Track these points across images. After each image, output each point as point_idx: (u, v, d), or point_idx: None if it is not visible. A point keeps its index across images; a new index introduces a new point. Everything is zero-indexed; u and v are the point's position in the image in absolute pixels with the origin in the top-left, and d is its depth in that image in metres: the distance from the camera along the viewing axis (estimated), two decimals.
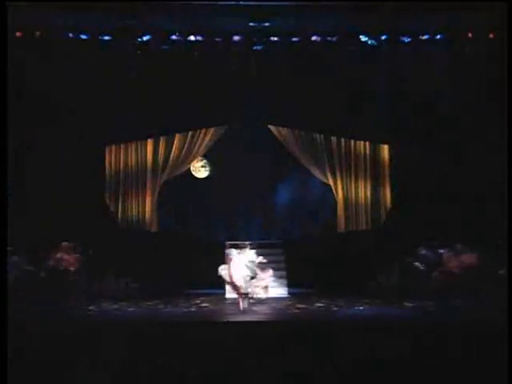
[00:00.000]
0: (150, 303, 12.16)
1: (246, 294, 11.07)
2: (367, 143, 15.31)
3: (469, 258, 11.35)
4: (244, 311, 10.77)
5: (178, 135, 15.13)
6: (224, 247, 13.61)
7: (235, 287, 11.10)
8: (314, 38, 13.75)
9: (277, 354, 8.02)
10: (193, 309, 11.58)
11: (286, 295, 13.05)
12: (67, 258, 12.28)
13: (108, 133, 14.45)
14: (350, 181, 15.27)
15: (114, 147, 15.08)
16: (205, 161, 15.68)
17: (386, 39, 13.70)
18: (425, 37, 13.65)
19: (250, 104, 14.30)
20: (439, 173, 13.90)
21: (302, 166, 15.30)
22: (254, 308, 11.46)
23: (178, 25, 13.30)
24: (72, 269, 12.17)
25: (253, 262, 11.29)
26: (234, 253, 11.24)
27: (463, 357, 7.84)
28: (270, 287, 11.80)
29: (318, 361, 7.93)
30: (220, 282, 13.25)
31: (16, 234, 11.38)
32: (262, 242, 13.02)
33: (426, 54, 13.78)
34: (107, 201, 14.93)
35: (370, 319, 10.32)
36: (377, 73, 14.08)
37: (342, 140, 15.32)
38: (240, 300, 11.07)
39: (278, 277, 12.47)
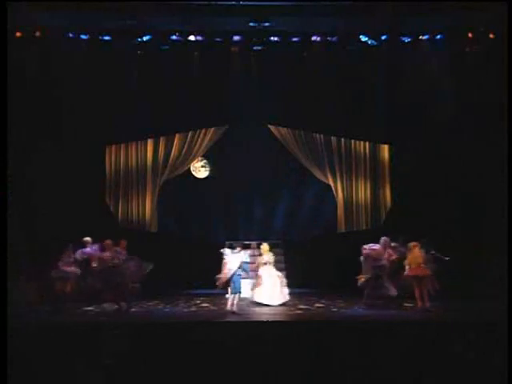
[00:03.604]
0: (150, 303, 12.17)
1: None
2: (367, 143, 15.31)
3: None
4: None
5: (177, 135, 15.14)
6: (224, 247, 13.63)
7: None
8: (313, 38, 13.77)
9: (277, 354, 8.02)
10: (193, 309, 11.59)
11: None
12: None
13: (108, 133, 14.45)
14: (350, 181, 15.27)
15: (114, 147, 15.09)
16: (205, 161, 15.68)
17: (385, 39, 13.72)
18: (425, 37, 13.67)
19: (249, 104, 14.30)
20: (439, 173, 13.89)
21: (302, 166, 15.30)
22: (254, 308, 11.48)
23: (178, 25, 13.31)
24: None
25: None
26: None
27: (463, 357, 7.85)
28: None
29: (317, 361, 7.93)
30: None
31: (15, 234, 11.41)
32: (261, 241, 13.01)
33: (425, 54, 13.79)
34: (107, 201, 14.94)
35: (369, 320, 10.32)
36: (377, 73, 14.08)
37: (342, 140, 15.32)
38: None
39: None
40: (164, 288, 13.40)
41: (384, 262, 11.34)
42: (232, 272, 10.75)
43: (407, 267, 10.95)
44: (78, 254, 11.69)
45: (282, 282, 12.23)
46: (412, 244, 11.04)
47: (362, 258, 11.52)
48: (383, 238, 11.56)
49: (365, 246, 11.52)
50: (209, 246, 13.99)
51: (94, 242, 11.93)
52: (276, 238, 14.43)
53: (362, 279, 11.42)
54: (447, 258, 11.51)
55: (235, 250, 11.11)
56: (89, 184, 14.11)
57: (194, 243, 14.70)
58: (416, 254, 10.94)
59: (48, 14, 12.62)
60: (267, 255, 12.29)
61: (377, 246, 11.46)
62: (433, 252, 11.47)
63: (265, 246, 12.43)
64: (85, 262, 11.64)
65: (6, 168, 9.00)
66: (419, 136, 14.04)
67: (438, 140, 13.91)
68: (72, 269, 11.44)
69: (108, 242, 11.39)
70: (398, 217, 14.42)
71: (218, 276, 10.91)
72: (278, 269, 12.73)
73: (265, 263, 12.18)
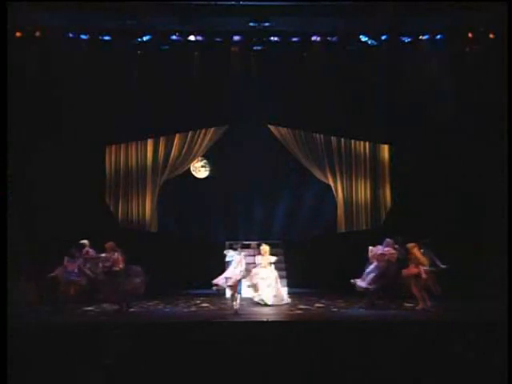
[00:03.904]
0: (150, 303, 12.17)
1: None
2: (367, 143, 15.30)
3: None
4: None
5: (177, 135, 15.13)
6: (224, 247, 13.63)
7: None
8: (314, 38, 13.77)
9: (277, 354, 8.01)
10: (193, 309, 11.59)
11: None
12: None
13: (108, 133, 14.44)
14: (350, 181, 15.26)
15: (114, 147, 15.08)
16: (205, 161, 15.67)
17: (385, 39, 13.72)
18: (425, 37, 13.68)
19: (249, 104, 14.29)
20: (439, 173, 13.89)
21: (302, 166, 15.29)
22: (254, 308, 11.48)
23: (178, 25, 13.30)
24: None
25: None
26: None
27: (463, 357, 7.84)
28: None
29: (317, 361, 7.93)
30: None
31: (15, 234, 11.41)
32: (261, 241, 13.01)
33: (425, 54, 13.79)
34: (107, 201, 14.93)
35: (369, 320, 10.32)
36: (377, 73, 14.08)
37: (342, 140, 15.32)
38: None
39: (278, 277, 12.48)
40: (164, 288, 13.40)
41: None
42: (243, 273, 10.81)
43: (423, 268, 10.77)
44: (88, 256, 11.68)
45: (281, 282, 12.25)
46: (411, 245, 10.99)
47: (380, 263, 11.22)
48: (387, 240, 11.46)
49: (379, 252, 11.28)
50: (209, 246, 14.03)
51: (93, 243, 11.91)
52: (276, 238, 14.43)
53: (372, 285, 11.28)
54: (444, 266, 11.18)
55: (237, 251, 11.15)
56: (89, 184, 14.10)
57: (194, 243, 14.70)
58: (419, 253, 10.90)
59: (48, 14, 12.61)
60: (267, 256, 12.30)
61: (390, 249, 11.31)
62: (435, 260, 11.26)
63: (265, 247, 12.44)
64: (93, 264, 11.63)
65: (6, 168, 9.01)
66: (419, 136, 14.03)
67: (438, 140, 13.89)
68: (77, 271, 11.42)
69: (111, 244, 11.36)
70: (398, 217, 14.41)
71: (226, 277, 10.88)
72: (278, 269, 12.73)
73: (265, 264, 12.19)
